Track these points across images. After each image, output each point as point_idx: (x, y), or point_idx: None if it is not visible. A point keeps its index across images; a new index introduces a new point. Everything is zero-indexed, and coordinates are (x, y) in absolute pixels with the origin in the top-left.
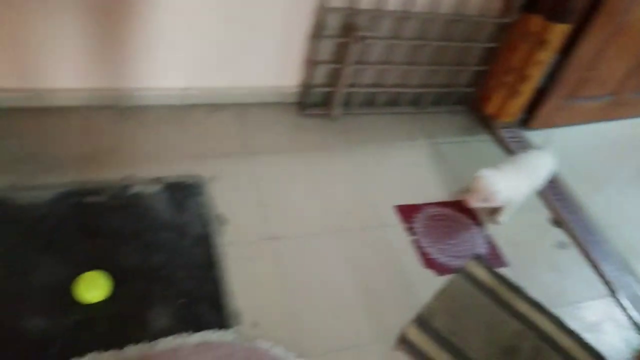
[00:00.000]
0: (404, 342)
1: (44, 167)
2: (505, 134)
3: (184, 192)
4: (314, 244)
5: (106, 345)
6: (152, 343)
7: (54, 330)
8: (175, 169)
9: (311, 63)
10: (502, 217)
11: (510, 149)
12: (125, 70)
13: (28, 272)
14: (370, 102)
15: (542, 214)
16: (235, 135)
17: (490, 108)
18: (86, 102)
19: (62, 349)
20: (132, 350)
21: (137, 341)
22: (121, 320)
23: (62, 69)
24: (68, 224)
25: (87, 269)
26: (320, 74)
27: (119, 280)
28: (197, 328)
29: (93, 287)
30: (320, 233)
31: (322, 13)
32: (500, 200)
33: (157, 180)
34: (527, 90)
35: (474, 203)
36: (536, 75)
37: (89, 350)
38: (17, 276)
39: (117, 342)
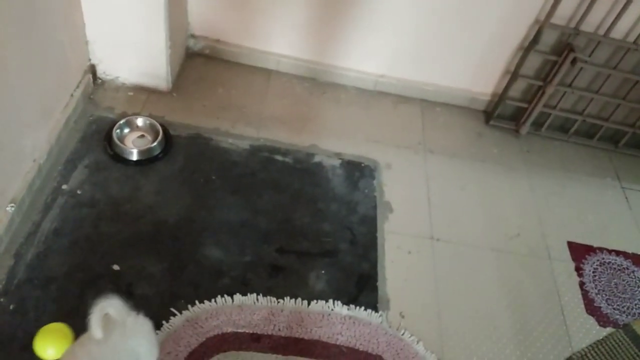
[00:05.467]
0: None
1: (245, 119)
2: None
3: (359, 172)
4: (474, 255)
5: (267, 291)
6: (307, 302)
7: (227, 265)
8: (355, 149)
9: (513, 75)
10: None
11: None
12: (332, 47)
13: (216, 208)
14: (563, 128)
15: None
16: (416, 130)
17: None
18: (292, 69)
19: (231, 283)
20: (288, 302)
21: (294, 296)
22: (284, 273)
23: (281, 35)
24: (256, 174)
25: (264, 217)
26: (518, 88)
27: (289, 234)
28: (348, 301)
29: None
30: (483, 247)
31: (540, 27)
32: None
33: (338, 155)
34: None
35: None
36: None
37: (252, 291)
38: (206, 209)
39: (278, 290)
